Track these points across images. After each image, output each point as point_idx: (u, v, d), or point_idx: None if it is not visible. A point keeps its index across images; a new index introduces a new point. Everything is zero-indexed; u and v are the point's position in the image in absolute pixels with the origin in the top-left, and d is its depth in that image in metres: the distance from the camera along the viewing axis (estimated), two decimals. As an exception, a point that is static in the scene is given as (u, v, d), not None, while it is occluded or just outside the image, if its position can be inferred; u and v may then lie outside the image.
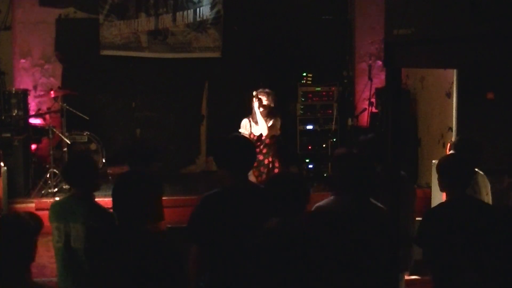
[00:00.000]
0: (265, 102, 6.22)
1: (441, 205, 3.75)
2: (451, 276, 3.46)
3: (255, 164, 6.13)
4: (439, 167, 3.71)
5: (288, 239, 3.02)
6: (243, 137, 4.19)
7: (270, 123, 6.22)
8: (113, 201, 3.01)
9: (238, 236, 3.24)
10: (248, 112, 6.45)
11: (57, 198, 5.34)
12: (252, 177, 6.04)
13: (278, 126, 6.30)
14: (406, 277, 4.63)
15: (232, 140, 3.64)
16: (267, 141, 6.28)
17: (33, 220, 2.78)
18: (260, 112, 6.18)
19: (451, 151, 4.51)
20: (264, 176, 6.14)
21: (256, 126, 6.23)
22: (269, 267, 3.01)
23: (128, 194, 2.98)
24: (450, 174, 3.61)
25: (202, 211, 3.45)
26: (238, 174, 3.45)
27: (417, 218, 4.17)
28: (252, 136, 6.19)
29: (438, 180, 3.72)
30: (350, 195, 3.40)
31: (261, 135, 6.21)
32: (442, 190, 3.75)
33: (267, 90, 6.35)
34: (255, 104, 6.20)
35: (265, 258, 3.01)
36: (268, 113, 6.25)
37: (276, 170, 6.17)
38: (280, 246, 3.01)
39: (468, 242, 3.37)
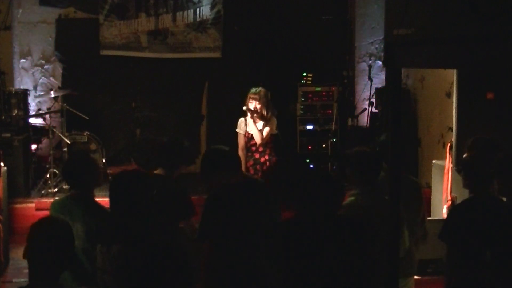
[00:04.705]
0: (257, 106, 6.05)
1: (465, 201, 3.90)
2: (474, 273, 3.57)
3: (251, 163, 6.11)
4: (464, 167, 3.94)
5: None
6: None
7: (261, 127, 6.09)
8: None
9: None
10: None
11: (57, 198, 5.37)
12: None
13: (274, 127, 6.18)
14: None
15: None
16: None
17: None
18: (251, 117, 6.05)
19: (467, 152, 4.60)
20: (260, 174, 6.09)
21: (252, 125, 6.12)
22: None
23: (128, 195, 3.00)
24: (474, 173, 3.80)
25: None
26: None
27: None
28: (247, 135, 6.12)
29: (462, 178, 3.92)
30: (369, 189, 3.77)
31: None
32: (465, 187, 3.92)
33: (259, 90, 6.13)
34: (249, 106, 6.08)
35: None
36: (261, 117, 6.14)
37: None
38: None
39: (492, 239, 3.52)
